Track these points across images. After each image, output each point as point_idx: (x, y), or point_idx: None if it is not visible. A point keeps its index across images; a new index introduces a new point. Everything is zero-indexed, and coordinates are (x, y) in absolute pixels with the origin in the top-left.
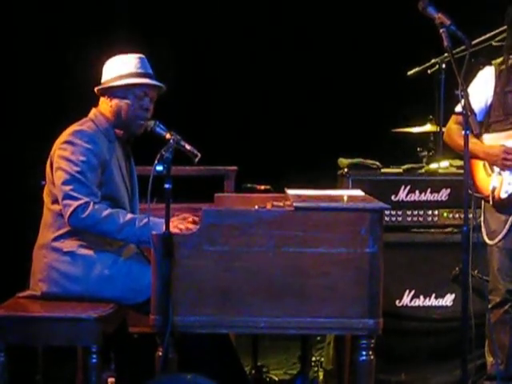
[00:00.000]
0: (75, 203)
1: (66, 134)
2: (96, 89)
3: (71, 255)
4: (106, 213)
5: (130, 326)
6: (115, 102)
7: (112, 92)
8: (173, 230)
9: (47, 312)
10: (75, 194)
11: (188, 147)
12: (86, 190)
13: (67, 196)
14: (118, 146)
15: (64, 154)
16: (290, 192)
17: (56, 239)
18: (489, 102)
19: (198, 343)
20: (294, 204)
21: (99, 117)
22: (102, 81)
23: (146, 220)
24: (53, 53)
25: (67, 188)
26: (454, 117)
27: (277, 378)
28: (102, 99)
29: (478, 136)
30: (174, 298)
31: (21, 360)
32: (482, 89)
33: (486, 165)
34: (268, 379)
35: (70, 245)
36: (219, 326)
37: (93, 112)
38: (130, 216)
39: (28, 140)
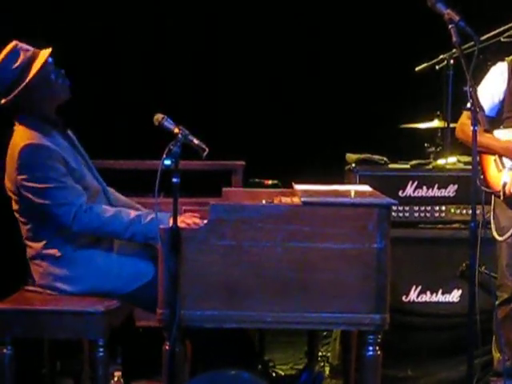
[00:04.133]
0: (73, 209)
1: (14, 158)
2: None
3: (64, 259)
4: (110, 213)
5: (136, 320)
6: (34, 96)
7: (27, 90)
8: (180, 224)
9: (54, 305)
10: (64, 201)
11: (196, 142)
12: (72, 192)
13: (58, 207)
14: (59, 138)
15: (28, 177)
16: (298, 187)
17: (44, 248)
18: (501, 98)
19: (210, 336)
20: (302, 199)
21: (28, 119)
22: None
23: (151, 216)
24: None
25: (53, 202)
26: (465, 112)
27: (283, 373)
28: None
29: (488, 132)
30: (181, 293)
31: (27, 353)
32: (494, 85)
33: (497, 160)
34: (274, 374)
35: (60, 249)
36: (226, 320)
37: (21, 118)
38: (134, 213)
39: None
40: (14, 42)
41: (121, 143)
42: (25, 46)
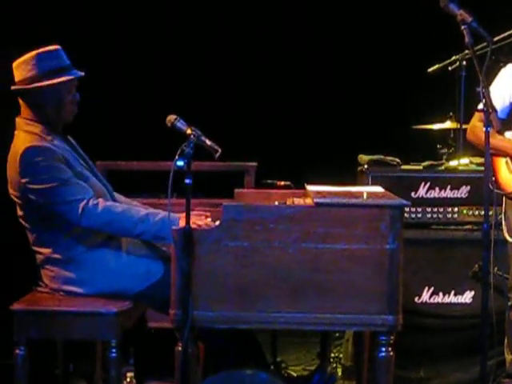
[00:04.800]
0: (80, 204)
1: (16, 163)
2: (17, 89)
3: (74, 262)
4: (119, 209)
5: (149, 321)
6: (43, 103)
7: (37, 92)
8: (191, 225)
9: (67, 306)
10: (74, 197)
11: (208, 142)
12: (79, 189)
13: (64, 204)
14: (60, 142)
15: (31, 180)
16: (310, 188)
17: (53, 252)
18: None
19: (223, 338)
20: (315, 200)
21: (29, 124)
22: (22, 79)
23: (161, 215)
24: None
25: (58, 199)
26: (476, 114)
27: (295, 374)
28: (23, 103)
29: (500, 133)
30: (194, 293)
31: (40, 354)
32: (504, 86)
33: (509, 162)
34: (286, 375)
35: (68, 253)
36: (238, 321)
37: (21, 123)
38: (144, 211)
39: None
40: (57, 46)
41: (133, 144)
42: (65, 56)
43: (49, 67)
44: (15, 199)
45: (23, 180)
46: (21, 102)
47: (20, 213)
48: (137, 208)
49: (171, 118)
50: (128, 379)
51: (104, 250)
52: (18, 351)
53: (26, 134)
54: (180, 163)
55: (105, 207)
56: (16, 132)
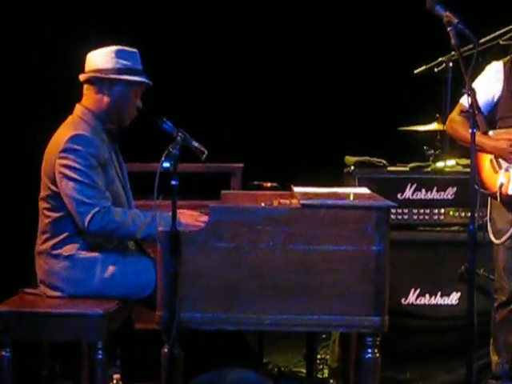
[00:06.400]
0: (92, 210)
1: (61, 141)
2: (92, 76)
3: (72, 259)
4: (125, 216)
5: (135, 323)
6: (111, 96)
7: (110, 85)
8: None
9: (53, 308)
10: (89, 201)
11: (195, 144)
12: (98, 194)
13: (81, 204)
14: (108, 142)
15: (67, 163)
16: (297, 189)
17: (55, 246)
18: (496, 98)
19: (211, 338)
20: (301, 201)
21: (87, 114)
22: (97, 68)
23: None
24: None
25: (79, 196)
26: (458, 107)
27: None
28: (88, 92)
29: (485, 134)
30: (181, 295)
31: (27, 356)
32: (489, 84)
33: (493, 161)
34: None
35: (69, 249)
36: (225, 322)
37: (80, 110)
38: (149, 216)
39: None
40: (135, 49)
41: (120, 146)
42: (140, 61)
43: (126, 65)
44: (44, 178)
45: (59, 161)
46: (85, 90)
47: (44, 193)
48: (143, 212)
49: (158, 119)
50: (114, 381)
51: (105, 254)
52: (3, 353)
53: (81, 121)
54: (166, 164)
55: (112, 215)
56: (71, 116)
